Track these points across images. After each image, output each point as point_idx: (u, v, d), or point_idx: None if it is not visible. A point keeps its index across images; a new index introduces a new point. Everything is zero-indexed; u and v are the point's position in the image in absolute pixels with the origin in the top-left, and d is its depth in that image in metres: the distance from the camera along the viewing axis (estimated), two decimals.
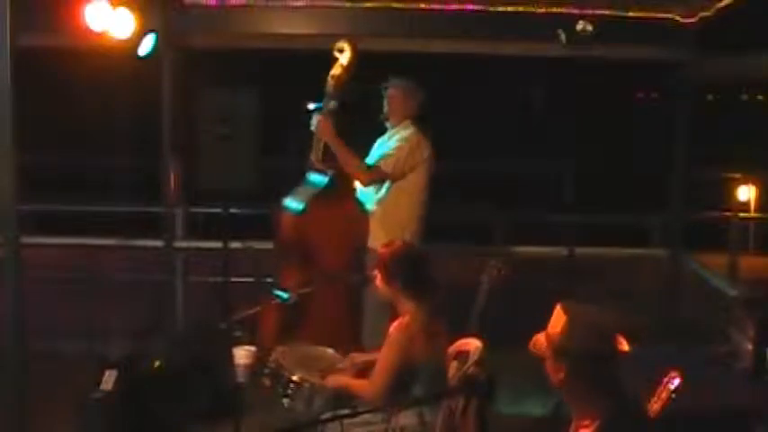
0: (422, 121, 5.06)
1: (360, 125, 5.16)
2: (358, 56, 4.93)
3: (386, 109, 5.05)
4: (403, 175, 4.89)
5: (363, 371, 3.84)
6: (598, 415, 2.46)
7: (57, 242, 6.94)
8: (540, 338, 2.55)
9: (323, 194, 4.91)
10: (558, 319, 2.52)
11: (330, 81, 4.91)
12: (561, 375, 2.50)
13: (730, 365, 4.16)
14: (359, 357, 4.01)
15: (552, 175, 11.42)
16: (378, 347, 3.76)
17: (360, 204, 4.99)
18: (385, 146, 5.01)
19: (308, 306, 4.65)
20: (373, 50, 5.52)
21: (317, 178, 4.98)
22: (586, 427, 2.49)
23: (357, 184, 5.03)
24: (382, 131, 5.12)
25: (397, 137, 4.98)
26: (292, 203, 4.94)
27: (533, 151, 14.05)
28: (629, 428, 2.50)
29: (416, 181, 4.94)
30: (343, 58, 4.90)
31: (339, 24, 5.87)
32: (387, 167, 4.87)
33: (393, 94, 5.04)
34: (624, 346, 2.53)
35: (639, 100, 23.35)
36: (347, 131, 4.98)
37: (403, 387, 3.56)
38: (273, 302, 4.53)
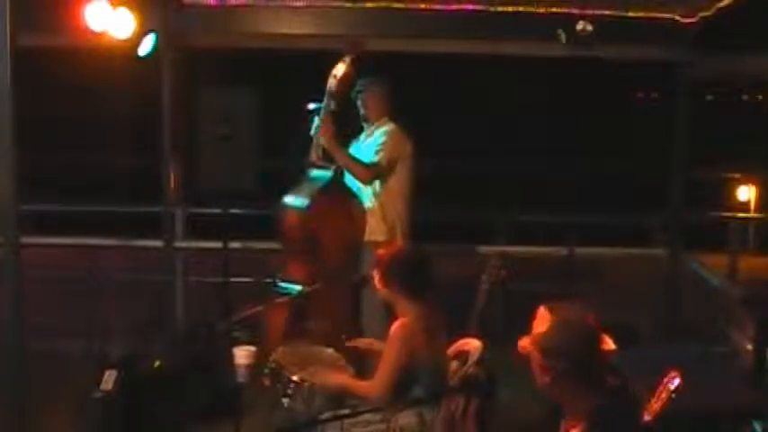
0: (398, 117, 5.15)
1: (354, 125, 5.20)
2: (360, 56, 4.96)
3: (362, 110, 5.16)
4: (393, 168, 4.98)
5: (363, 374, 3.85)
6: (584, 416, 2.46)
7: (57, 242, 6.94)
8: (525, 341, 2.57)
9: (326, 190, 4.93)
10: (541, 320, 2.53)
11: (332, 81, 4.94)
12: (547, 377, 2.50)
13: (730, 365, 4.16)
14: (364, 341, 4.03)
15: (552, 175, 11.43)
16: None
17: (360, 199, 5.02)
18: (364, 144, 5.11)
19: (314, 304, 4.65)
20: (373, 50, 5.52)
21: (319, 174, 5.01)
22: (574, 427, 2.49)
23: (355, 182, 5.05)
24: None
25: (379, 132, 5.07)
26: (297, 200, 4.95)
27: (533, 151, 14.07)
28: (616, 429, 2.50)
29: (403, 175, 5.03)
30: (347, 57, 4.93)
31: (339, 24, 5.87)
32: (383, 161, 4.96)
33: (369, 96, 5.13)
34: (609, 344, 2.53)
35: (639, 100, 23.37)
36: (345, 132, 5.01)
37: (404, 387, 3.56)
38: (277, 302, 4.54)
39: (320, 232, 4.87)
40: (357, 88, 5.14)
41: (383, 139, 5.01)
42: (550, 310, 2.53)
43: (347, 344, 4.02)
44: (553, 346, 2.48)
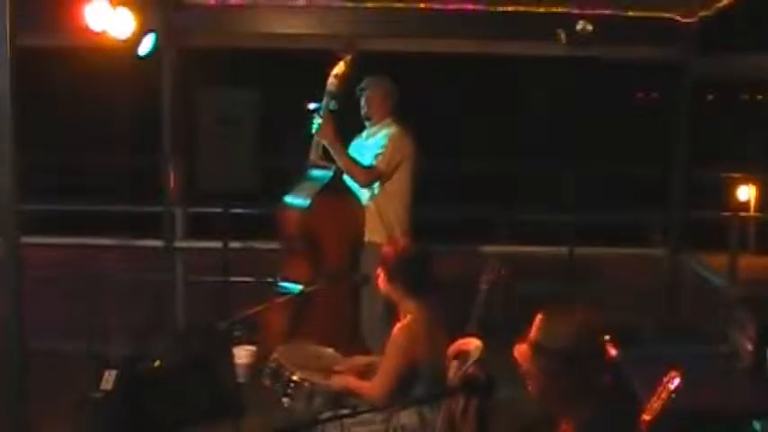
0: (401, 118, 5.10)
1: (353, 125, 5.19)
2: (358, 55, 4.96)
3: (364, 110, 5.10)
4: (393, 172, 4.95)
5: (365, 373, 3.84)
6: (574, 420, 2.44)
7: (57, 242, 6.94)
8: (522, 346, 2.53)
9: (326, 189, 4.93)
10: (539, 323, 2.48)
11: (332, 80, 4.93)
12: (540, 381, 2.45)
13: (730, 365, 4.15)
14: (361, 360, 4.01)
15: (552, 175, 11.43)
16: (379, 348, 3.76)
17: (359, 200, 5.02)
18: (364, 145, 5.08)
19: (314, 304, 4.65)
20: (373, 50, 5.52)
21: (319, 173, 5.01)
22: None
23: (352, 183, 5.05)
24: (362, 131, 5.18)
25: (381, 134, 5.03)
26: (297, 200, 4.96)
27: (533, 151, 14.06)
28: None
29: (403, 177, 4.98)
30: (345, 57, 4.93)
31: (339, 24, 5.87)
32: (382, 165, 4.92)
33: (372, 95, 5.08)
34: (610, 351, 2.49)
35: (639, 100, 23.38)
36: (343, 131, 5.01)
37: (405, 387, 3.56)
38: (278, 301, 4.55)
39: (320, 232, 4.88)
40: (360, 87, 5.11)
41: (385, 141, 4.96)
42: (546, 314, 2.49)
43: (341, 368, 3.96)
44: (546, 344, 2.42)
